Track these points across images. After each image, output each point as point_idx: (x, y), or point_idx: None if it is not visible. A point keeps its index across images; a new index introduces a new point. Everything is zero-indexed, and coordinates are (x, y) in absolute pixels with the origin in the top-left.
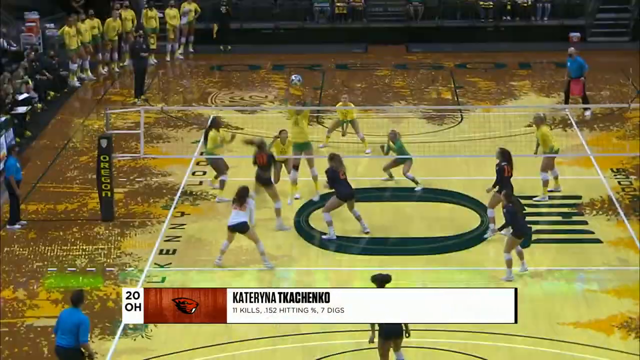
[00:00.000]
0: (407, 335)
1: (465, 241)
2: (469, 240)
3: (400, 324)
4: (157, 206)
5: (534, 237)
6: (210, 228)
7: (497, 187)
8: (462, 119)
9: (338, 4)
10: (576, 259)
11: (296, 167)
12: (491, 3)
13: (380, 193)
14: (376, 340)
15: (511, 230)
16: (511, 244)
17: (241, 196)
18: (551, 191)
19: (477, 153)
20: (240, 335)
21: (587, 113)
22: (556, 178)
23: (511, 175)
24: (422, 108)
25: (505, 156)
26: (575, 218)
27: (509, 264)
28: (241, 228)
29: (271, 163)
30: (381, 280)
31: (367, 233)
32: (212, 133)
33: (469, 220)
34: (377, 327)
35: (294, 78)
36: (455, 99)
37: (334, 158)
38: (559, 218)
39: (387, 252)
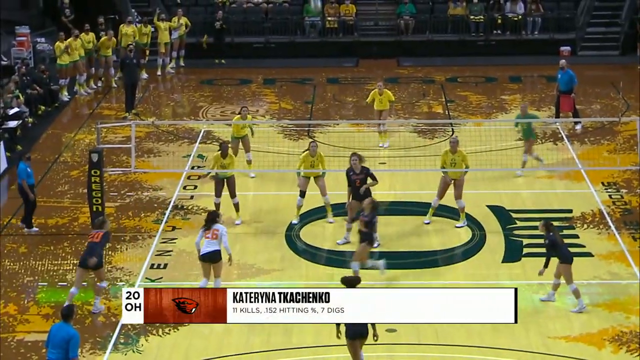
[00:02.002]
0: (375, 338)
1: (453, 255)
2: (458, 255)
3: (367, 325)
4: (148, 220)
5: (525, 250)
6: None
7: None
8: (453, 133)
9: (329, 19)
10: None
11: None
12: (482, 17)
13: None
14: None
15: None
16: (568, 272)
17: (207, 221)
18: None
19: (470, 166)
20: (231, 350)
21: (578, 127)
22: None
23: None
24: (413, 122)
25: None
26: (566, 232)
27: (577, 293)
28: (211, 258)
29: None
30: (350, 283)
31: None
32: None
33: (459, 233)
34: (342, 328)
35: None
36: (447, 113)
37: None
38: None
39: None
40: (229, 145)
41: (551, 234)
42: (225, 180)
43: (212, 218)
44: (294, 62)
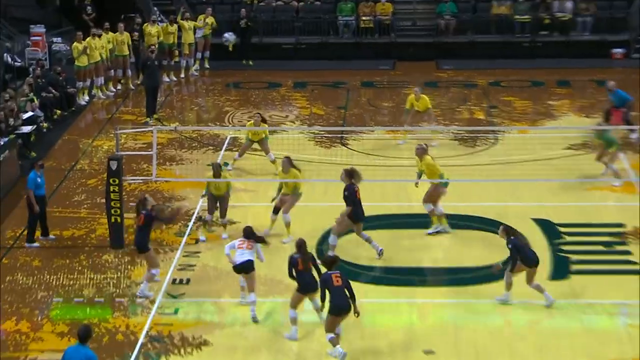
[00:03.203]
0: (356, 314)
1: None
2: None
3: (349, 300)
4: (169, 233)
5: (574, 267)
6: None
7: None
8: (496, 141)
9: (364, 18)
10: (619, 291)
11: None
12: (528, 17)
13: (399, 220)
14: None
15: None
16: (530, 275)
17: (245, 235)
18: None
19: (513, 177)
20: None
21: (633, 135)
22: (443, 216)
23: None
24: (453, 129)
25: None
26: (617, 247)
27: (540, 289)
28: (245, 268)
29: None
30: (330, 262)
31: (380, 253)
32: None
33: (502, 249)
34: (327, 304)
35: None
36: (489, 120)
37: (351, 174)
38: (600, 247)
39: (399, 282)
40: (222, 166)
41: (512, 237)
42: (217, 199)
43: (250, 233)
44: (326, 65)
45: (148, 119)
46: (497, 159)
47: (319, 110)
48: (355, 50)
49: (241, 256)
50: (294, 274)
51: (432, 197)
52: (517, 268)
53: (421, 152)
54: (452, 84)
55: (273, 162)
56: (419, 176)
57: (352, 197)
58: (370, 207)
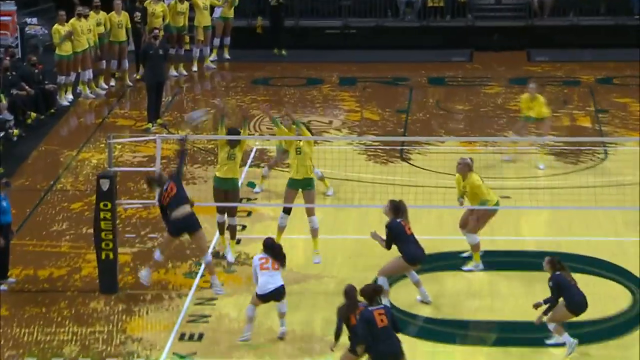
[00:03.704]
0: None
1: (605, 329)
2: (612, 329)
3: (399, 345)
4: (177, 273)
5: None
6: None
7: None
8: (606, 156)
9: None
10: None
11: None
12: None
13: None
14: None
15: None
16: (561, 317)
17: (266, 248)
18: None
19: (629, 203)
20: None
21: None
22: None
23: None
24: (549, 140)
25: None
26: None
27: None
28: (276, 296)
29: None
30: (371, 293)
31: (428, 303)
32: None
33: (614, 298)
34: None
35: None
36: (597, 128)
37: (399, 207)
38: None
39: (453, 338)
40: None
41: (557, 272)
42: (225, 191)
43: (271, 245)
44: (382, 55)
45: (150, 125)
46: (606, 180)
47: (372, 115)
48: (420, 37)
49: (270, 281)
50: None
51: (478, 226)
52: (559, 314)
53: (464, 168)
54: (548, 80)
55: (321, 179)
56: (461, 202)
57: (400, 234)
58: (440, 241)
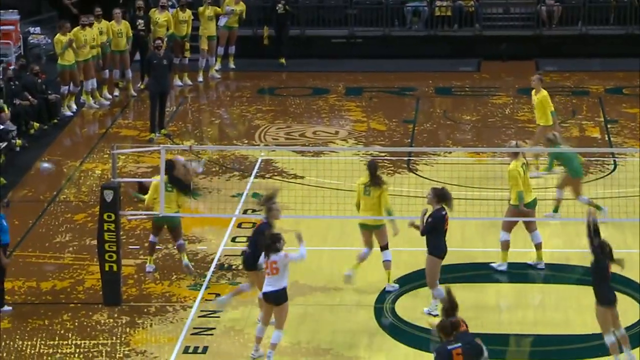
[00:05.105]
0: None
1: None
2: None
3: None
4: (182, 285)
5: None
6: (257, 316)
7: None
8: (615, 167)
9: (439, 4)
10: None
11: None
12: None
13: (487, 271)
14: None
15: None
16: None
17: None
18: (533, 265)
19: (638, 215)
20: None
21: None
22: (538, 247)
23: None
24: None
25: None
26: None
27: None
28: (275, 298)
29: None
30: (449, 328)
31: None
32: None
33: (624, 311)
34: None
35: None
36: (606, 139)
37: (445, 195)
38: None
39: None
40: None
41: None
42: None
43: (271, 242)
44: (388, 65)
45: (153, 135)
46: (616, 191)
47: (379, 125)
48: (427, 46)
49: (268, 284)
50: None
51: (510, 223)
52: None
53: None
54: (556, 90)
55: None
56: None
57: (439, 226)
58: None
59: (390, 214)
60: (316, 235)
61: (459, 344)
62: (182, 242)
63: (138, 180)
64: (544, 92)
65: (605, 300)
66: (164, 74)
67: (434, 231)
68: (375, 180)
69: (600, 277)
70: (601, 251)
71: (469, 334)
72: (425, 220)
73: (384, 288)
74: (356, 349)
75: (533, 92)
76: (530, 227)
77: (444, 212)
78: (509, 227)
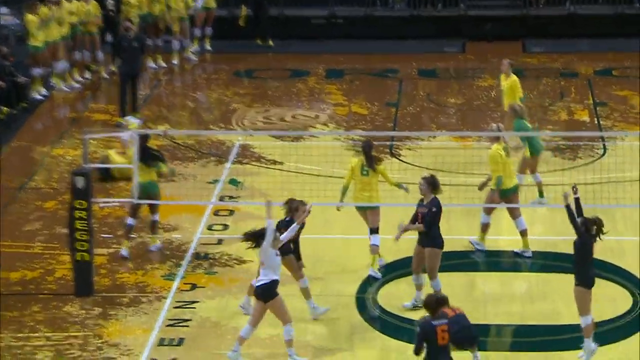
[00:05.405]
0: None
1: (602, 333)
2: (610, 332)
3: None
4: (156, 275)
5: None
6: (234, 307)
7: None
8: (605, 152)
9: None
10: None
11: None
12: None
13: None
14: None
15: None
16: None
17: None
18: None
19: (628, 201)
20: None
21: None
22: (523, 233)
23: None
24: (545, 135)
25: None
26: None
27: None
28: (263, 293)
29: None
30: (435, 304)
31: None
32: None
33: (614, 300)
34: None
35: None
36: (596, 122)
37: (436, 182)
38: None
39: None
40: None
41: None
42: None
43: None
44: (370, 46)
45: (125, 120)
46: (605, 176)
47: (360, 109)
48: (410, 27)
49: (262, 273)
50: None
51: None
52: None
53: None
54: (544, 72)
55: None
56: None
57: (439, 216)
58: None
59: (403, 187)
60: None
61: (445, 321)
62: (157, 218)
63: (107, 166)
64: (514, 78)
65: (587, 281)
66: (135, 56)
67: (436, 223)
68: (372, 161)
69: (583, 256)
70: (586, 230)
71: (466, 319)
72: (430, 210)
73: (367, 275)
74: (338, 340)
75: (502, 77)
76: (513, 213)
77: (439, 201)
78: (489, 209)
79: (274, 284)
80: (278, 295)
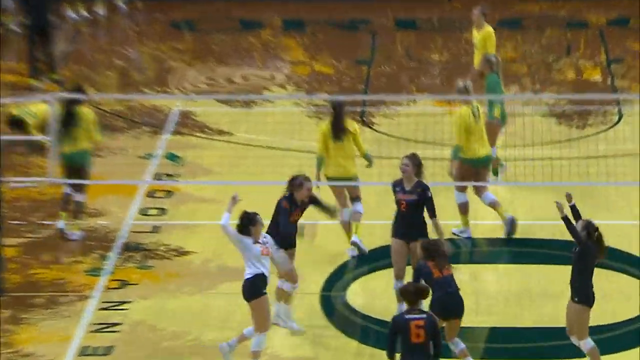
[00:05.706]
0: None
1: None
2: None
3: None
4: (78, 270)
5: None
6: (174, 308)
7: None
8: (620, 117)
9: None
10: None
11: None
12: None
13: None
14: None
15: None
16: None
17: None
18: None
19: None
20: None
21: None
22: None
23: None
24: (548, 97)
25: None
26: None
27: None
28: (244, 289)
29: None
30: (413, 294)
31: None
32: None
33: (628, 297)
34: None
35: None
36: (609, 82)
37: (420, 161)
38: None
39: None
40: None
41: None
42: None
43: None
44: None
45: (37, 82)
46: (620, 148)
47: (325, 68)
48: None
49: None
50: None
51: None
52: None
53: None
54: (547, 22)
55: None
56: None
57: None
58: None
59: (370, 158)
60: (248, 207)
61: (424, 316)
62: (82, 199)
63: (25, 138)
64: (489, 29)
65: (588, 298)
66: (42, 2)
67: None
68: (343, 123)
69: (584, 267)
70: (587, 235)
71: (454, 283)
72: (424, 196)
73: (337, 267)
74: (300, 346)
75: (474, 29)
76: (479, 189)
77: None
78: (461, 186)
79: (257, 278)
80: (264, 295)
